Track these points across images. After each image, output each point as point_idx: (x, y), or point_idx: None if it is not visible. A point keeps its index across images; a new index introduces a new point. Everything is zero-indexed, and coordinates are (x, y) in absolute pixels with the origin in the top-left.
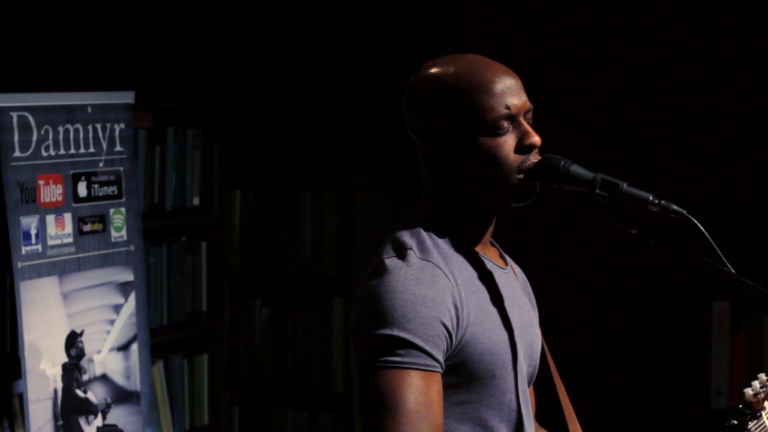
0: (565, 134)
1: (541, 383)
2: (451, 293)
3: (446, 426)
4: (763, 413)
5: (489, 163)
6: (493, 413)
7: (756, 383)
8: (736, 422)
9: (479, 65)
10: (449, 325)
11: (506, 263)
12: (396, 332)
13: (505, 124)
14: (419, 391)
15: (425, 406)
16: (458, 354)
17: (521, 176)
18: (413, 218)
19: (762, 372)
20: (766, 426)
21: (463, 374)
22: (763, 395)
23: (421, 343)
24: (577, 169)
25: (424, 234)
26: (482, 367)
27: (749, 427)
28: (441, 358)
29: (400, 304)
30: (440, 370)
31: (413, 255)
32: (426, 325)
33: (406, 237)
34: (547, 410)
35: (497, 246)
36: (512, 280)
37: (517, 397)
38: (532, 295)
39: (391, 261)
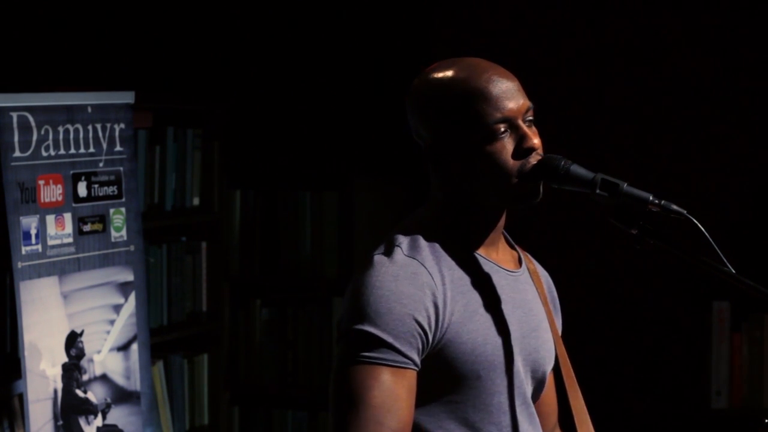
0: (565, 134)
1: (556, 389)
2: (432, 291)
3: (435, 423)
4: None
5: (489, 168)
6: (480, 415)
7: None
8: None
9: (476, 70)
10: (425, 323)
11: (520, 266)
12: (367, 328)
13: (503, 128)
14: (385, 387)
15: (391, 401)
16: (439, 353)
17: (521, 179)
18: (415, 217)
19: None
20: None
21: (446, 373)
22: None
23: (390, 340)
24: (577, 169)
25: (419, 233)
26: (465, 368)
27: None
28: (414, 355)
29: (374, 299)
30: (412, 367)
31: (399, 252)
32: (397, 321)
33: (400, 234)
34: (561, 418)
35: (517, 249)
36: (522, 284)
37: (511, 401)
38: (557, 300)
39: (378, 257)
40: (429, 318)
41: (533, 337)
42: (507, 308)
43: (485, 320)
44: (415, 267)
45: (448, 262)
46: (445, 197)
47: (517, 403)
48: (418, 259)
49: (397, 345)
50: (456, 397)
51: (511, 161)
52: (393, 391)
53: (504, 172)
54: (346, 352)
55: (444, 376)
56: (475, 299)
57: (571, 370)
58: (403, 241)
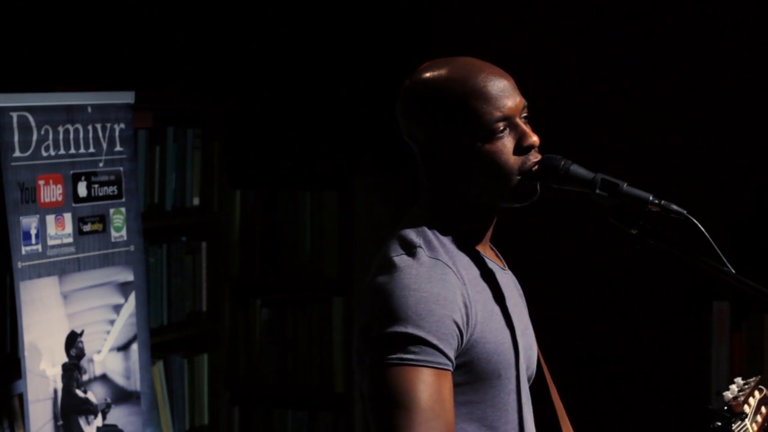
0: (565, 134)
1: (535, 386)
2: (461, 292)
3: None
4: (747, 417)
5: (489, 168)
6: (498, 413)
7: (734, 387)
8: (720, 424)
9: (471, 69)
10: (460, 324)
11: (504, 265)
12: (410, 330)
13: (501, 126)
14: (432, 389)
15: (438, 403)
16: (466, 353)
17: (521, 177)
18: (416, 217)
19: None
20: (747, 428)
21: (470, 373)
22: (742, 398)
23: (435, 341)
24: (577, 169)
25: (429, 233)
26: (489, 367)
27: (733, 428)
28: (453, 356)
29: (413, 301)
30: (452, 369)
31: (423, 253)
32: (439, 323)
33: (413, 235)
34: (541, 413)
35: (494, 248)
36: (510, 282)
37: (518, 397)
38: (524, 299)
39: (401, 259)
40: (463, 319)
41: (527, 334)
42: (509, 305)
43: (499, 318)
44: (442, 268)
45: (462, 262)
46: (441, 198)
47: (523, 400)
48: (442, 260)
49: (441, 346)
50: (475, 397)
51: (512, 159)
52: (439, 392)
53: (505, 171)
54: (386, 356)
55: (468, 376)
56: (489, 297)
57: (547, 367)
58: (420, 241)
